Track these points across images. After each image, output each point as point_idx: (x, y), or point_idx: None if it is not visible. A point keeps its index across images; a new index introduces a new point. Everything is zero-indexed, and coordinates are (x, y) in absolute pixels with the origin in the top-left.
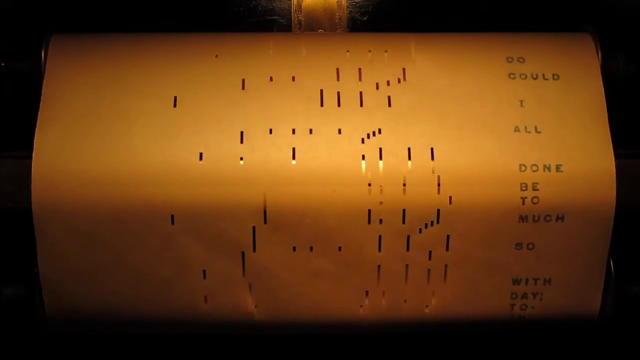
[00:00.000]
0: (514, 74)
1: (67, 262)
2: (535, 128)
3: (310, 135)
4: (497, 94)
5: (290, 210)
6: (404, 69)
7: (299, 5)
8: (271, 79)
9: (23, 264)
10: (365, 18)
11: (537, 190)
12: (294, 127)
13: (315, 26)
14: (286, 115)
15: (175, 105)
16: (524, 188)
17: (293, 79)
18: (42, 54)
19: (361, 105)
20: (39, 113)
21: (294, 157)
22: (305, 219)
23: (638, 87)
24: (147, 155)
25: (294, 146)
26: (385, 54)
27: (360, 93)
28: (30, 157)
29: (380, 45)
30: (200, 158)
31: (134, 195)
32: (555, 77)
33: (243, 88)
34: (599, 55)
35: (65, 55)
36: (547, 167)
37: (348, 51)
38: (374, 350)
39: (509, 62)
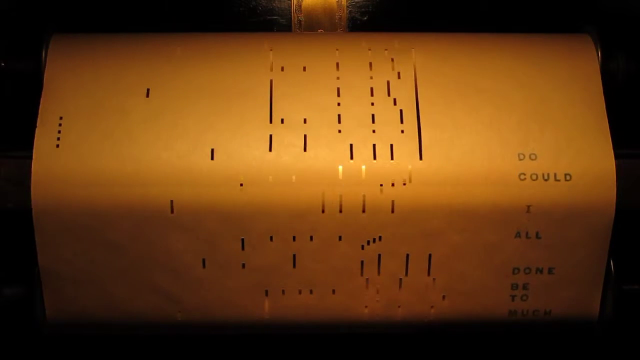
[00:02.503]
0: (524, 175)
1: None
2: (537, 234)
3: (311, 242)
4: (505, 198)
5: (290, 316)
6: (410, 170)
7: (299, 5)
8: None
9: (23, 264)
10: (365, 18)
11: (527, 289)
12: (294, 235)
13: (315, 26)
14: (286, 220)
15: (172, 212)
16: (514, 287)
17: (293, 178)
18: (43, 54)
19: (363, 211)
20: (39, 113)
21: (294, 264)
22: (304, 318)
23: (638, 87)
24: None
25: (294, 252)
26: (392, 149)
27: (364, 196)
28: (30, 157)
29: (386, 139)
30: (204, 265)
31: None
32: (568, 177)
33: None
34: (599, 55)
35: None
36: (540, 270)
37: (351, 145)
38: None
39: (520, 159)
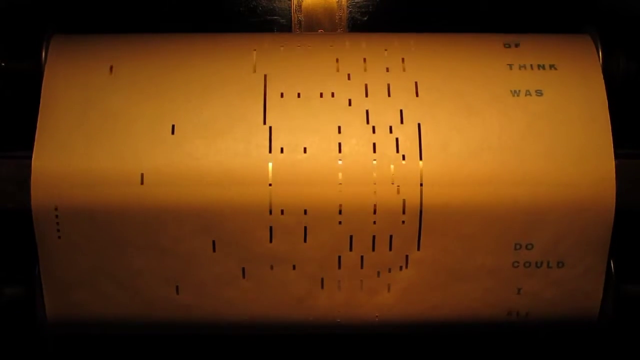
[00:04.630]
0: (517, 263)
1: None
2: (526, 314)
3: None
4: (497, 281)
5: None
6: (407, 256)
7: (299, 5)
8: (272, 267)
9: (23, 264)
10: (365, 18)
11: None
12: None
13: (316, 26)
14: (286, 303)
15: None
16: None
17: (294, 267)
18: (43, 54)
19: (361, 289)
20: (39, 113)
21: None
22: None
23: (638, 87)
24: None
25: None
26: (391, 240)
27: (361, 281)
28: (30, 157)
29: (386, 230)
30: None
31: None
32: (560, 264)
33: (244, 277)
34: (600, 55)
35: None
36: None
37: (351, 236)
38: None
39: (517, 249)
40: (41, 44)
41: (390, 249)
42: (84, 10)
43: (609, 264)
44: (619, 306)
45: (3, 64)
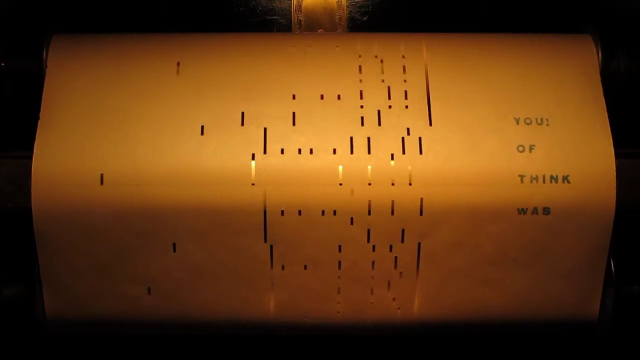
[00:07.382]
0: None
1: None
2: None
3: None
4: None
5: None
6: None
7: (299, 5)
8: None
9: (23, 264)
10: (365, 18)
11: None
12: None
13: (315, 26)
14: None
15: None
16: None
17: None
18: (44, 54)
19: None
20: (40, 113)
21: None
22: None
23: (638, 87)
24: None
25: None
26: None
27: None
28: (31, 157)
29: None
30: None
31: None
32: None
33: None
34: (599, 55)
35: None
36: None
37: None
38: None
39: None
40: (42, 44)
41: None
42: (85, 11)
43: (609, 264)
44: (619, 306)
45: (3, 64)
